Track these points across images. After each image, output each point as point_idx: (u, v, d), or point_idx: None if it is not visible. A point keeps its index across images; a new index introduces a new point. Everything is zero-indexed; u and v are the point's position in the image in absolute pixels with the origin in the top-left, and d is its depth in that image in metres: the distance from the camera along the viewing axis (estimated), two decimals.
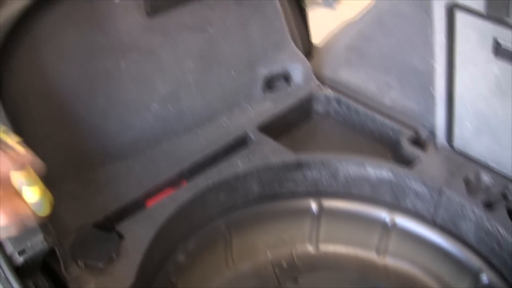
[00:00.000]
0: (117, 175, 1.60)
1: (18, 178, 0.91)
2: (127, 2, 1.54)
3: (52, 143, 1.49)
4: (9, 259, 1.12)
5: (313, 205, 1.71)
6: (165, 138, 1.71)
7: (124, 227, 1.46)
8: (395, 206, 1.68)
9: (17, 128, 1.40)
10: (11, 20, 1.28)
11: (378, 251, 1.73)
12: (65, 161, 1.54)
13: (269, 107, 1.89)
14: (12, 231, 0.89)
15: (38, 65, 1.44)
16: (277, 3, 1.90)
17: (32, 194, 0.93)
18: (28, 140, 1.41)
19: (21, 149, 0.91)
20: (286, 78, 1.98)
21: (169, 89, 1.71)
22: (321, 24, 2.40)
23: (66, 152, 1.54)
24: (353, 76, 1.97)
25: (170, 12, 1.64)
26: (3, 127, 0.96)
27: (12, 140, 0.94)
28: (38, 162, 0.92)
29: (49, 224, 1.20)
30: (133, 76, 1.62)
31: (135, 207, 1.52)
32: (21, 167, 0.90)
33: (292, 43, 1.98)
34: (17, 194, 0.91)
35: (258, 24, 1.88)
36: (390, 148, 1.81)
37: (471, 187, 1.58)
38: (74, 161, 1.57)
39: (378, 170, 1.64)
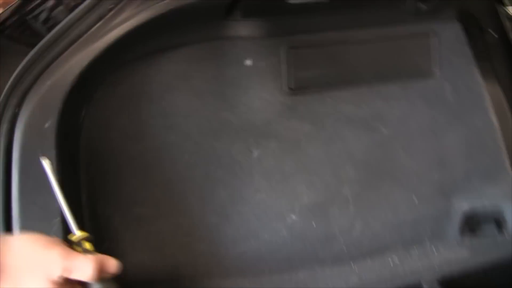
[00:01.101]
0: None
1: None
2: (262, 67, 1.28)
3: (145, 234, 1.23)
4: None
5: None
6: (301, 264, 1.33)
7: None
8: None
9: (99, 207, 1.20)
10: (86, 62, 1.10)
11: None
12: (161, 261, 1.25)
13: (463, 256, 1.42)
14: None
15: (138, 129, 1.22)
16: (490, 114, 1.47)
17: None
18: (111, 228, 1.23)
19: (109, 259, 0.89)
20: (498, 221, 1.47)
21: (315, 199, 1.35)
22: None
23: (164, 252, 1.25)
24: None
25: (323, 94, 1.33)
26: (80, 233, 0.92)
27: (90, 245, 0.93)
28: (114, 264, 0.89)
29: None
30: (268, 170, 1.31)
31: None
32: (100, 275, 0.87)
33: None
34: None
35: (459, 137, 1.47)
36: None
37: None
38: (173, 264, 1.26)
39: None
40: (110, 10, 1.11)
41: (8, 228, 1.05)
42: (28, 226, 1.04)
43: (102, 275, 0.87)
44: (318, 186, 1.35)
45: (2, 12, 1.17)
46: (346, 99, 1.36)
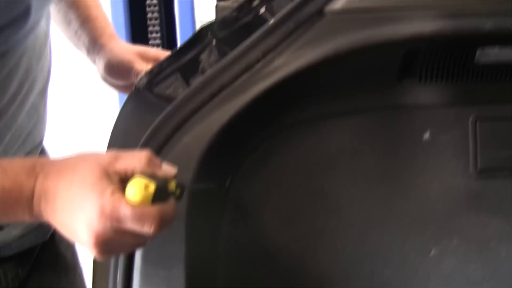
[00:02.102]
0: None
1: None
2: (444, 143, 1.06)
3: None
4: None
5: None
6: None
7: None
8: None
9: None
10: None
11: None
12: None
13: None
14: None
15: (292, 210, 1.03)
16: None
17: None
18: None
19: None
20: None
21: None
22: None
23: None
24: None
25: None
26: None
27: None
28: (171, 167, 0.82)
29: None
30: (448, 275, 1.06)
31: None
32: (151, 169, 0.80)
33: None
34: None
35: None
36: None
37: None
38: None
39: None
40: (258, 60, 0.96)
41: None
42: None
43: (153, 170, 0.80)
44: None
45: (151, 68, 1.09)
46: None
